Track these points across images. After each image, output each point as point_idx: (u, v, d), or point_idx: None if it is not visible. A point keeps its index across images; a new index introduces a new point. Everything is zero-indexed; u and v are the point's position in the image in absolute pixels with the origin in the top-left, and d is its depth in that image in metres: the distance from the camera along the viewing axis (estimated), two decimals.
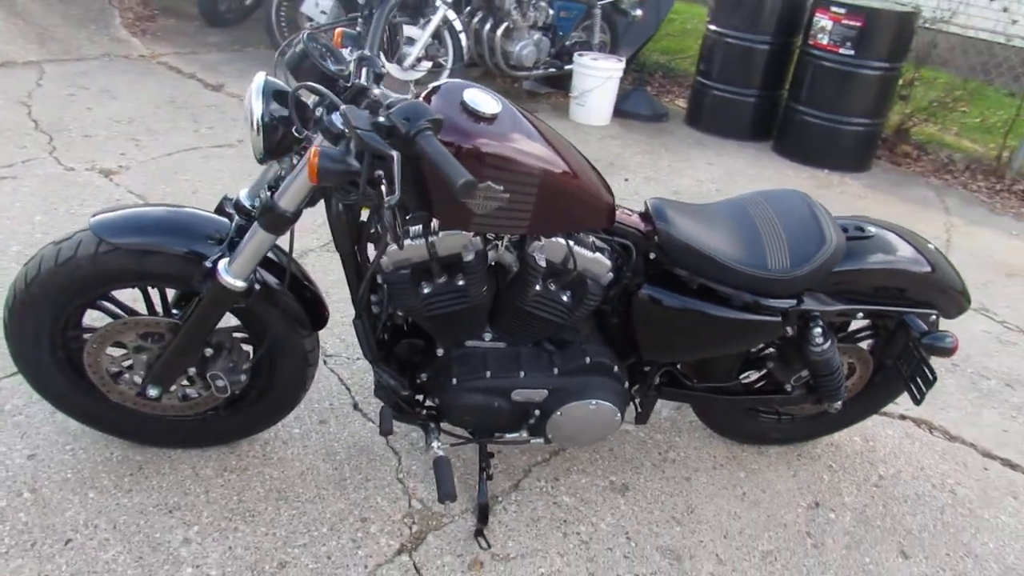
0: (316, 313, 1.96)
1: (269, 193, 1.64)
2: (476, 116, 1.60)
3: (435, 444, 1.94)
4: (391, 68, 5.14)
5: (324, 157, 1.39)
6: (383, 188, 1.36)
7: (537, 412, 1.99)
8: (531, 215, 1.71)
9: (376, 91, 1.65)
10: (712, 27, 5.69)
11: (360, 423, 2.36)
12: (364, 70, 1.66)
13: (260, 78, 1.62)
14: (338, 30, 1.78)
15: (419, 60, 5.15)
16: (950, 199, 5.06)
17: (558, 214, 1.75)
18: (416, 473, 2.20)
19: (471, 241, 1.77)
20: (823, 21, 5.12)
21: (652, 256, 1.92)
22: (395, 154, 1.29)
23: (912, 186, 5.24)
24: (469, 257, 1.79)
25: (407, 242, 1.76)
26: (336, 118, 1.49)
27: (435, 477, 1.92)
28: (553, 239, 1.80)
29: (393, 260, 1.76)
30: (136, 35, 6.15)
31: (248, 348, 2.00)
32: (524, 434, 2.05)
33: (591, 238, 1.88)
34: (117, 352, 1.94)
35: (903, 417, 2.70)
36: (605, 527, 2.11)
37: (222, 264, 1.71)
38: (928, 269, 2.06)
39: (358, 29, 1.79)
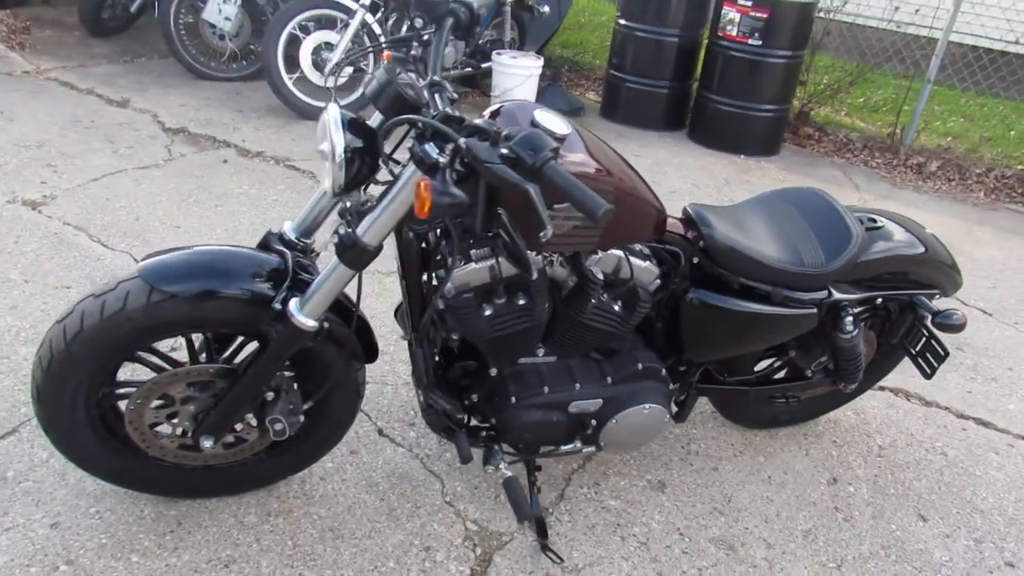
0: (369, 344, 1.90)
1: (347, 229, 1.57)
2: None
3: (502, 466, 1.93)
4: (311, 75, 4.99)
5: (436, 191, 1.35)
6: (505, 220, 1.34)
7: (593, 422, 2.01)
8: (601, 231, 1.73)
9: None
10: (622, 22, 5.84)
11: (391, 449, 2.31)
12: (437, 96, 1.62)
13: (335, 110, 1.55)
14: (386, 53, 1.73)
15: (340, 66, 5.01)
16: (856, 177, 5.44)
17: (622, 228, 1.78)
18: (463, 494, 2.18)
19: (535, 260, 1.77)
20: (731, 14, 5.36)
21: (695, 260, 1.99)
22: (533, 187, 1.28)
23: (821, 166, 5.59)
24: (534, 276, 1.79)
25: (472, 266, 1.74)
26: (430, 148, 1.44)
27: (509, 499, 1.91)
28: (609, 251, 1.83)
29: (456, 285, 1.74)
30: (14, 49, 5.65)
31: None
32: (577, 444, 2.06)
33: (638, 247, 1.92)
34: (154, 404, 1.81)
35: (881, 388, 2.90)
36: (656, 526, 2.16)
37: (293, 304, 1.63)
38: (923, 250, 2.23)
39: (413, 52, 1.73)
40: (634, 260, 1.87)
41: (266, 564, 1.89)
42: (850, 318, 2.11)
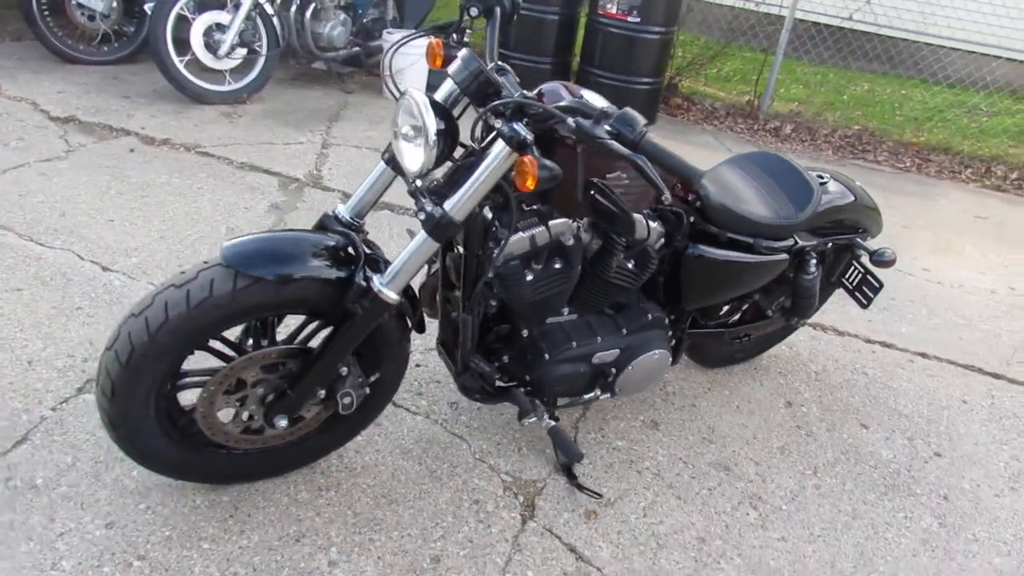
0: (418, 315, 2.01)
1: (433, 205, 1.68)
2: None
3: (545, 417, 2.12)
4: (204, 58, 4.82)
5: (542, 167, 1.51)
6: (659, 186, 1.51)
7: (613, 370, 2.24)
8: (636, 196, 1.94)
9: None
10: None
11: (410, 418, 2.42)
12: (505, 79, 1.75)
13: (420, 94, 1.64)
14: (436, 40, 1.83)
15: (234, 48, 4.87)
16: (727, 141, 5.98)
17: (648, 193, 2.00)
18: (489, 451, 2.34)
19: (570, 226, 1.97)
20: None
21: (691, 219, 2.25)
22: (640, 157, 1.46)
23: (695, 133, 6.09)
24: (571, 241, 1.98)
25: (520, 235, 1.91)
26: (519, 127, 1.59)
27: (555, 444, 2.11)
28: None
29: (504, 254, 1.90)
30: None
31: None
32: (597, 392, 2.28)
33: (646, 209, 2.15)
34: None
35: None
36: (662, 458, 2.44)
37: (376, 279, 1.72)
38: (854, 199, 2.62)
39: (466, 40, 1.84)
40: (651, 224, 2.10)
41: (335, 534, 1.98)
42: (814, 261, 2.46)
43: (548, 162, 1.56)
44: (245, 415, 1.87)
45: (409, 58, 5.54)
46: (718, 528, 2.19)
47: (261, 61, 5.04)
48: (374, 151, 4.60)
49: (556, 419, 2.35)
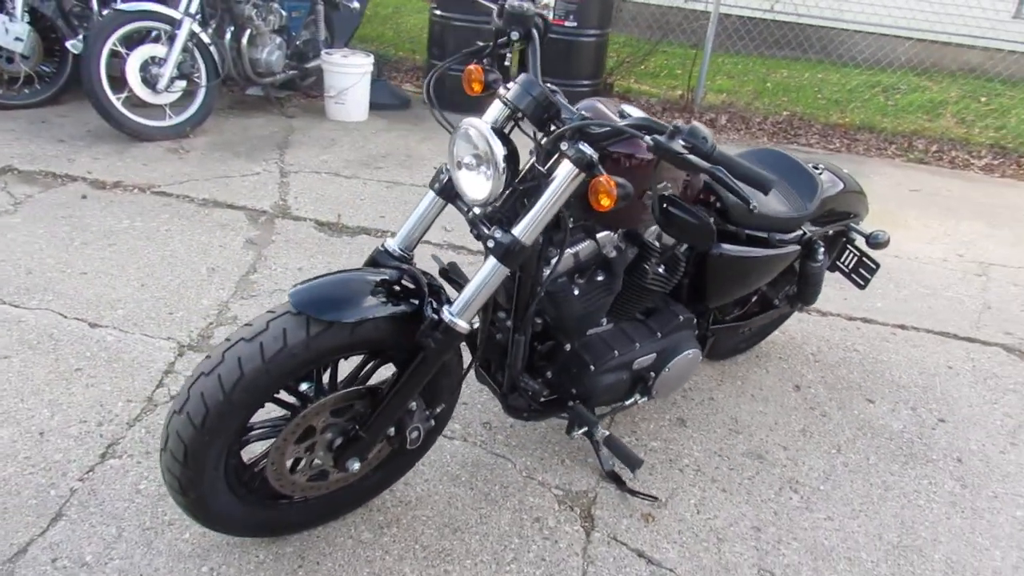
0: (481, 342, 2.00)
1: (502, 232, 1.67)
2: None
3: (600, 428, 2.15)
4: (142, 93, 4.63)
5: (619, 185, 1.54)
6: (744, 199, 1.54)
7: (652, 374, 2.28)
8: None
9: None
10: (438, 12, 6.02)
11: (448, 444, 2.40)
12: (560, 99, 1.77)
13: (483, 123, 1.64)
14: (477, 66, 1.83)
15: (173, 80, 4.70)
16: None
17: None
18: (535, 467, 2.35)
19: (612, 238, 2.00)
20: None
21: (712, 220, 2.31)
22: (719, 168, 1.50)
23: None
24: (613, 253, 2.02)
25: (569, 251, 1.93)
26: (585, 148, 1.61)
27: (616, 453, 2.14)
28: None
29: (555, 272, 1.91)
30: None
31: None
32: (636, 396, 2.32)
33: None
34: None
35: None
36: (699, 454, 2.50)
37: (446, 311, 1.71)
38: (843, 186, 2.74)
39: (507, 64, 1.85)
40: None
41: (408, 570, 1.95)
42: (822, 249, 2.57)
43: (620, 179, 1.58)
44: (313, 462, 1.82)
45: (351, 78, 5.49)
46: (768, 515, 2.27)
47: (202, 92, 4.88)
48: (334, 176, 4.52)
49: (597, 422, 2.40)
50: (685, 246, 2.24)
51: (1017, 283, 4.04)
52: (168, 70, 4.64)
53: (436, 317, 1.70)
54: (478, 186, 1.69)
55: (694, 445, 2.53)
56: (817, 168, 2.65)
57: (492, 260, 1.70)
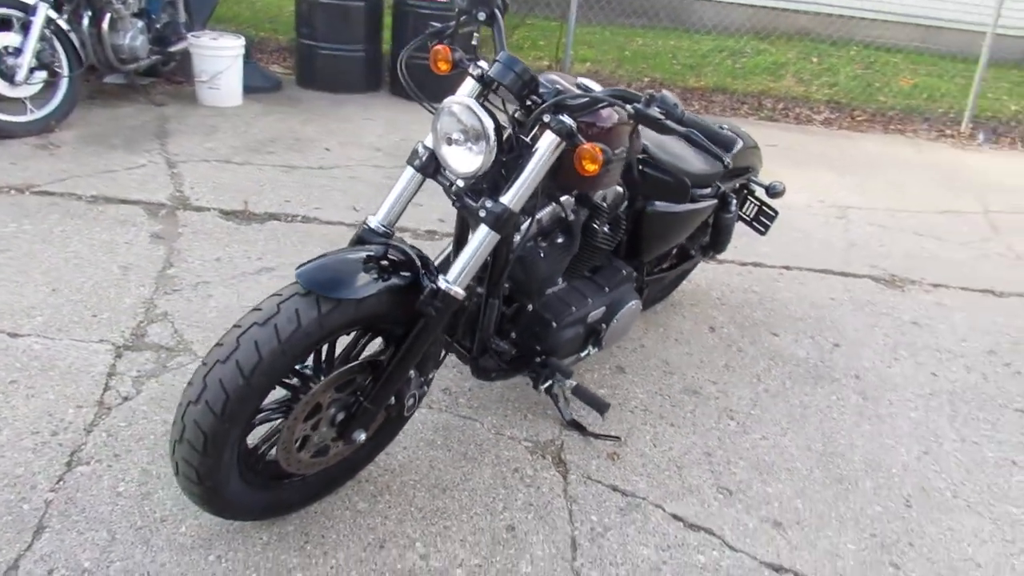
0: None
1: (491, 201, 1.77)
2: None
3: (566, 380, 2.31)
4: None
5: (603, 151, 1.69)
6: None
7: (603, 326, 2.47)
8: (622, 168, 2.17)
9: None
10: None
11: (416, 412, 2.49)
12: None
13: (471, 100, 1.73)
14: (443, 46, 1.91)
15: (32, 71, 4.38)
16: None
17: (619, 164, 2.23)
18: (501, 424, 2.49)
19: (570, 202, 2.16)
20: None
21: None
22: (691, 131, 1.68)
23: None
24: (571, 216, 2.18)
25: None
26: (566, 118, 1.75)
27: (583, 400, 2.32)
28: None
29: (523, 236, 2.05)
30: None
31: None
32: (589, 348, 2.50)
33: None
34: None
35: None
36: (643, 396, 2.72)
37: (443, 280, 1.80)
38: (742, 143, 3.03)
39: (474, 43, 1.93)
40: (621, 189, 2.35)
41: (411, 531, 2.05)
42: (734, 201, 2.84)
43: (603, 145, 1.74)
44: (319, 437, 1.87)
45: (223, 61, 5.31)
46: (713, 442, 2.53)
47: (65, 83, 4.57)
48: (225, 163, 4.40)
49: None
50: (625, 205, 2.43)
51: (871, 222, 4.58)
52: (26, 60, 4.32)
53: (434, 286, 1.79)
54: (467, 160, 1.79)
55: (636, 388, 2.76)
56: (723, 128, 2.91)
57: (484, 228, 1.81)
